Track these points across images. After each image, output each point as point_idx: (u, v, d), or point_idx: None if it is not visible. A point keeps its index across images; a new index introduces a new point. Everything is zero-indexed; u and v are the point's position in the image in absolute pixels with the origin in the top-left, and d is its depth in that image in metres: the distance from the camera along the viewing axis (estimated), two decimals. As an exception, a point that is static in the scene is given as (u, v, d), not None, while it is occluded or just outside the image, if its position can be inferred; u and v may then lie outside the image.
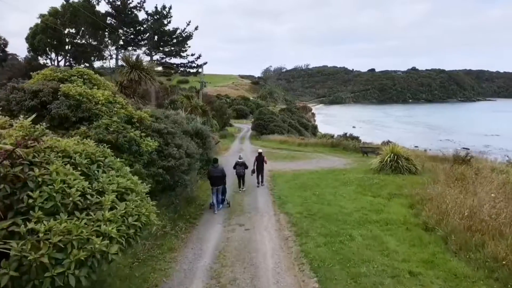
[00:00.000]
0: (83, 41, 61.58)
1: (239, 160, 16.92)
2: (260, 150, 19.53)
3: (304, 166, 24.78)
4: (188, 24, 63.13)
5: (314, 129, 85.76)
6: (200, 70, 56.69)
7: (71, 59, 62.69)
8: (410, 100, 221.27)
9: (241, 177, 16.99)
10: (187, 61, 60.00)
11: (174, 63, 62.55)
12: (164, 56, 61.50)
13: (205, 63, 60.80)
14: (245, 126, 75.52)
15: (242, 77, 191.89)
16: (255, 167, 18.04)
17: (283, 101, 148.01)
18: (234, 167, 16.92)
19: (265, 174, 20.66)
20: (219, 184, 13.90)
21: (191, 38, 58.93)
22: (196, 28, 58.62)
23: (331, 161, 27.43)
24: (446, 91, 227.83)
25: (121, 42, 61.40)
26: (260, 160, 18.30)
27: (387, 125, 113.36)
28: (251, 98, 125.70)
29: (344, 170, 22.09)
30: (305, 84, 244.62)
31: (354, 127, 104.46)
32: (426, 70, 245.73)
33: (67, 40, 60.38)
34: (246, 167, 16.85)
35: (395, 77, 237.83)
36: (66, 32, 57.85)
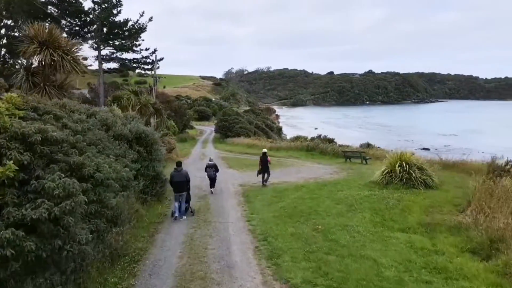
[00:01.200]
0: (21, 33, 52.66)
1: (210, 162, 16.21)
2: (264, 150, 18.31)
3: (284, 177, 19.23)
4: (141, 15, 55.19)
5: (279, 131, 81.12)
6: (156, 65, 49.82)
7: (7, 54, 53.55)
8: (367, 102, 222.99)
9: (212, 180, 16.04)
10: (141, 56, 52.78)
11: (126, 59, 55.01)
12: (115, 51, 53.85)
13: (161, 59, 53.82)
14: (207, 128, 69.22)
15: (204, 78, 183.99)
16: (260, 167, 17.32)
17: (246, 102, 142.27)
18: (205, 170, 16.14)
19: (237, 192, 15.82)
20: (182, 190, 12.23)
21: (145, 30, 51.68)
22: (150, 19, 51.48)
23: (314, 169, 22.09)
24: (401, 93, 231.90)
25: (64, 35, 52.87)
26: (264, 160, 17.22)
27: (347, 126, 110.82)
28: (213, 99, 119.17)
29: (337, 183, 16.75)
30: (267, 86, 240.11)
31: (316, 128, 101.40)
32: (382, 73, 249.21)
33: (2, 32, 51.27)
34: (217, 169, 16.15)
35: (353, 80, 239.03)
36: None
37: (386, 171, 15.58)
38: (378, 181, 15.54)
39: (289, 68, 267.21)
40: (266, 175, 17.24)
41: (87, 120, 12.63)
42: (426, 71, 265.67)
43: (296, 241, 9.22)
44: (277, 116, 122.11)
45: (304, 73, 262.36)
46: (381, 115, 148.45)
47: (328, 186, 16.03)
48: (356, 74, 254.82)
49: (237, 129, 46.53)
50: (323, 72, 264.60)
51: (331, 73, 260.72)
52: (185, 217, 12.05)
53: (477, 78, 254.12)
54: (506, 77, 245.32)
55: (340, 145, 33.66)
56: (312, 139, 36.06)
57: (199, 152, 35.74)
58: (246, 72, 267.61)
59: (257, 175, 17.55)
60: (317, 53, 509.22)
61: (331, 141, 35.04)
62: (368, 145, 33.43)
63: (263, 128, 54.51)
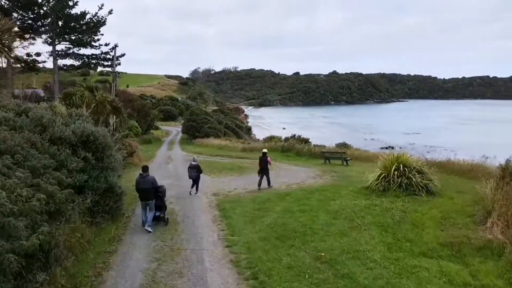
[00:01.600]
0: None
1: (193, 163, 15.38)
2: (264, 150, 17.25)
3: (262, 182, 16.79)
4: (100, 8, 51.00)
5: (248, 131, 78.88)
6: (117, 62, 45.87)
7: None
8: (332, 102, 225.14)
9: (194, 181, 15.28)
10: (100, 52, 48.51)
11: (84, 55, 50.51)
12: (71, 46, 49.26)
13: (122, 55, 49.77)
14: (174, 129, 65.71)
15: (169, 77, 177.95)
16: (260, 168, 16.27)
17: (213, 102, 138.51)
18: (188, 170, 15.46)
19: (211, 203, 13.48)
20: (148, 198, 10.74)
21: (104, 24, 47.41)
22: (110, 12, 47.40)
23: (294, 173, 19.84)
24: (364, 93, 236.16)
25: (16, 29, 47.64)
26: (264, 160, 16.18)
27: (313, 125, 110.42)
28: (179, 98, 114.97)
29: (325, 190, 14.51)
30: (234, 86, 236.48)
31: (284, 128, 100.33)
32: (346, 73, 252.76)
33: None
34: (200, 171, 15.35)
35: (318, 80, 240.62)
36: None
37: (381, 175, 13.50)
38: (373, 187, 13.43)
39: (256, 69, 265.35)
40: (265, 178, 16.05)
41: (15, 119, 9.62)
42: (387, 72, 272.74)
43: (297, 279, 6.79)
44: (246, 116, 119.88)
45: (271, 73, 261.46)
46: (346, 115, 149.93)
47: (316, 194, 13.75)
48: (321, 74, 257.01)
49: (206, 129, 43.66)
50: (289, 72, 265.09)
51: (297, 73, 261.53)
52: (150, 229, 10.31)
53: (435, 78, 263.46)
54: (463, 77, 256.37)
55: (315, 145, 31.75)
56: (287, 139, 33.92)
57: (165, 155, 32.66)
58: (213, 71, 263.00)
59: (259, 175, 16.23)
60: (284, 54, 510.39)
61: (306, 141, 33.05)
62: (345, 145, 31.72)
63: (233, 128, 51.92)
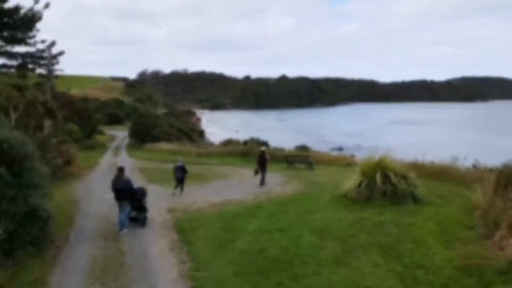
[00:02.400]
0: None
1: (178, 164, 15.24)
2: (263, 148, 17.68)
3: (225, 193, 14.67)
4: (36, 2, 45.94)
5: (201, 135, 76.05)
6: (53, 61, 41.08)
7: None
8: (283, 106, 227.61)
9: (179, 182, 15.03)
10: (35, 50, 43.31)
11: (18, 53, 44.86)
12: (4, 44, 43.47)
13: (61, 53, 45.06)
14: (120, 133, 61.06)
15: (115, 79, 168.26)
16: (258, 166, 16.34)
17: (163, 105, 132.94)
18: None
19: (166, 223, 11.13)
20: (121, 198, 10.25)
21: (41, 19, 42.41)
22: (46, 6, 42.55)
23: (258, 179, 17.81)
24: (312, 97, 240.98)
25: None
26: (262, 158, 16.30)
27: (266, 129, 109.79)
28: (126, 101, 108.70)
29: (299, 200, 12.66)
30: (185, 89, 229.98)
31: (237, 131, 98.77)
32: (295, 77, 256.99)
33: None
34: (185, 171, 15.14)
35: (269, 84, 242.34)
36: None
37: (363, 182, 11.85)
38: (354, 195, 11.76)
39: (207, 71, 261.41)
40: (262, 177, 16.12)
41: None
42: (333, 76, 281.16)
43: None
44: (198, 119, 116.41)
45: (222, 76, 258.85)
46: (296, 118, 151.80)
47: (291, 206, 11.81)
48: (271, 78, 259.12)
49: (156, 133, 40.39)
50: (240, 76, 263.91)
51: (248, 77, 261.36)
52: (126, 230, 10.07)
53: (377, 82, 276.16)
54: (403, 81, 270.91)
55: (274, 148, 30.04)
56: (245, 142, 31.86)
57: (110, 162, 29.19)
58: (162, 74, 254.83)
59: (254, 175, 16.49)
60: (234, 57, 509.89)
61: (265, 144, 31.21)
62: (304, 148, 30.37)
63: (186, 131, 48.92)
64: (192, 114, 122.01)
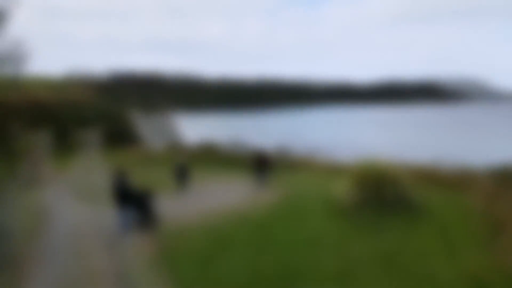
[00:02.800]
0: None
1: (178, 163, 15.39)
2: (262, 148, 17.91)
3: (194, 202, 13.43)
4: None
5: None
6: None
7: None
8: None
9: (180, 181, 14.98)
10: None
11: None
12: None
13: None
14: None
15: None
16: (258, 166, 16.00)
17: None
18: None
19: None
20: (122, 202, 9.85)
21: None
22: None
23: (228, 186, 16.48)
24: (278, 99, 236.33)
25: None
26: (263, 160, 16.11)
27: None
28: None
29: (282, 217, 11.31)
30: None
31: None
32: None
33: None
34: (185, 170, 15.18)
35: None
36: None
37: (356, 190, 11.22)
38: (345, 204, 11.10)
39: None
40: (263, 177, 15.83)
41: None
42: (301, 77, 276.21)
43: None
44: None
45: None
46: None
47: (277, 224, 10.55)
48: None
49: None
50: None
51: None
52: (126, 235, 9.66)
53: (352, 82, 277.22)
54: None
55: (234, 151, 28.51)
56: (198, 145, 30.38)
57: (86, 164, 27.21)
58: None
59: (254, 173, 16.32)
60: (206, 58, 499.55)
61: (232, 146, 29.88)
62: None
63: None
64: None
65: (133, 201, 9.92)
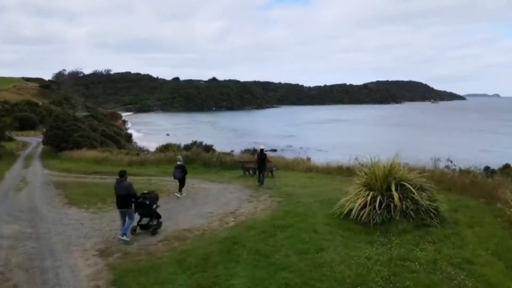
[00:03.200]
0: None
1: (178, 163, 14.34)
2: (262, 147, 16.24)
3: (179, 219, 10.74)
4: None
5: (129, 139, 69.00)
6: None
7: None
8: (214, 108, 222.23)
9: (179, 181, 14.09)
10: None
11: None
12: None
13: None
14: (33, 139, 52.17)
15: (28, 80, 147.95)
16: (257, 165, 15.54)
17: (83, 108, 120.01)
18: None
19: (97, 272, 7.04)
20: (123, 206, 9.15)
21: None
22: None
23: (217, 194, 14.13)
24: (243, 100, 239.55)
25: None
26: (261, 157, 15.29)
27: (199, 131, 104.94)
28: (40, 103, 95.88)
29: (285, 226, 9.17)
30: (108, 90, 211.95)
31: (168, 134, 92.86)
32: (225, 80, 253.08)
33: None
34: (185, 171, 14.22)
35: (199, 86, 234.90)
36: None
37: (371, 198, 8.84)
38: (361, 217, 8.70)
39: (132, 72, 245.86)
40: (262, 176, 15.45)
41: None
42: (261, 80, 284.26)
43: None
44: (124, 122, 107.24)
45: (148, 77, 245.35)
46: (228, 120, 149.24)
47: (282, 236, 8.33)
48: (201, 80, 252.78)
49: (76, 138, 34.01)
50: (167, 77, 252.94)
51: (177, 78, 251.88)
52: (124, 238, 8.80)
53: (302, 86, 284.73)
54: (325, 85, 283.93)
55: (221, 153, 26.30)
56: (188, 147, 27.46)
57: (18, 175, 23.01)
58: (82, 74, 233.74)
59: (253, 175, 16.53)
60: (161, 59, 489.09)
61: (209, 148, 27.26)
62: (254, 152, 27.04)
63: (112, 135, 42.68)
64: (118, 116, 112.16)
65: (137, 203, 9.47)
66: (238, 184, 16.18)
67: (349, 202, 9.22)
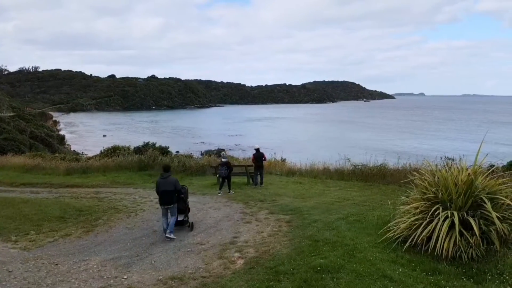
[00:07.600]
0: None
1: (223, 160, 13.63)
2: (257, 146, 15.24)
3: (147, 260, 7.22)
4: None
5: (61, 141, 61.15)
6: None
7: None
8: (154, 107, 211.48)
9: (224, 179, 13.45)
10: None
11: None
12: None
13: None
14: None
15: None
16: (255, 166, 14.84)
17: (8, 108, 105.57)
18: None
19: None
20: (169, 202, 8.48)
21: None
22: None
23: (202, 215, 10.67)
24: (184, 99, 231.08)
25: None
26: (258, 157, 14.57)
27: (139, 131, 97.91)
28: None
29: (334, 266, 6.20)
30: (36, 89, 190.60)
31: (105, 135, 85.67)
32: (165, 78, 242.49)
33: None
34: (230, 168, 13.46)
35: (137, 84, 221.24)
36: None
37: (446, 222, 6.19)
38: (441, 247, 6.03)
39: (63, 69, 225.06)
40: (259, 177, 14.69)
41: None
42: (203, 78, 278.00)
43: None
44: (56, 123, 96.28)
45: (81, 75, 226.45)
46: (170, 119, 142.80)
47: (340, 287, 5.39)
48: (139, 78, 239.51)
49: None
50: (103, 75, 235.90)
51: (113, 76, 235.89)
52: (171, 235, 8.24)
53: (244, 85, 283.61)
54: (266, 85, 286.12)
55: (182, 156, 22.57)
56: (139, 149, 23.05)
57: None
58: (6, 72, 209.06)
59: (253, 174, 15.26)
60: (95, 56, 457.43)
61: (165, 151, 23.20)
62: (220, 153, 23.62)
63: (43, 137, 36.22)
64: (48, 117, 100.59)
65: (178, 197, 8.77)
66: (216, 196, 12.88)
67: (406, 223, 6.55)
